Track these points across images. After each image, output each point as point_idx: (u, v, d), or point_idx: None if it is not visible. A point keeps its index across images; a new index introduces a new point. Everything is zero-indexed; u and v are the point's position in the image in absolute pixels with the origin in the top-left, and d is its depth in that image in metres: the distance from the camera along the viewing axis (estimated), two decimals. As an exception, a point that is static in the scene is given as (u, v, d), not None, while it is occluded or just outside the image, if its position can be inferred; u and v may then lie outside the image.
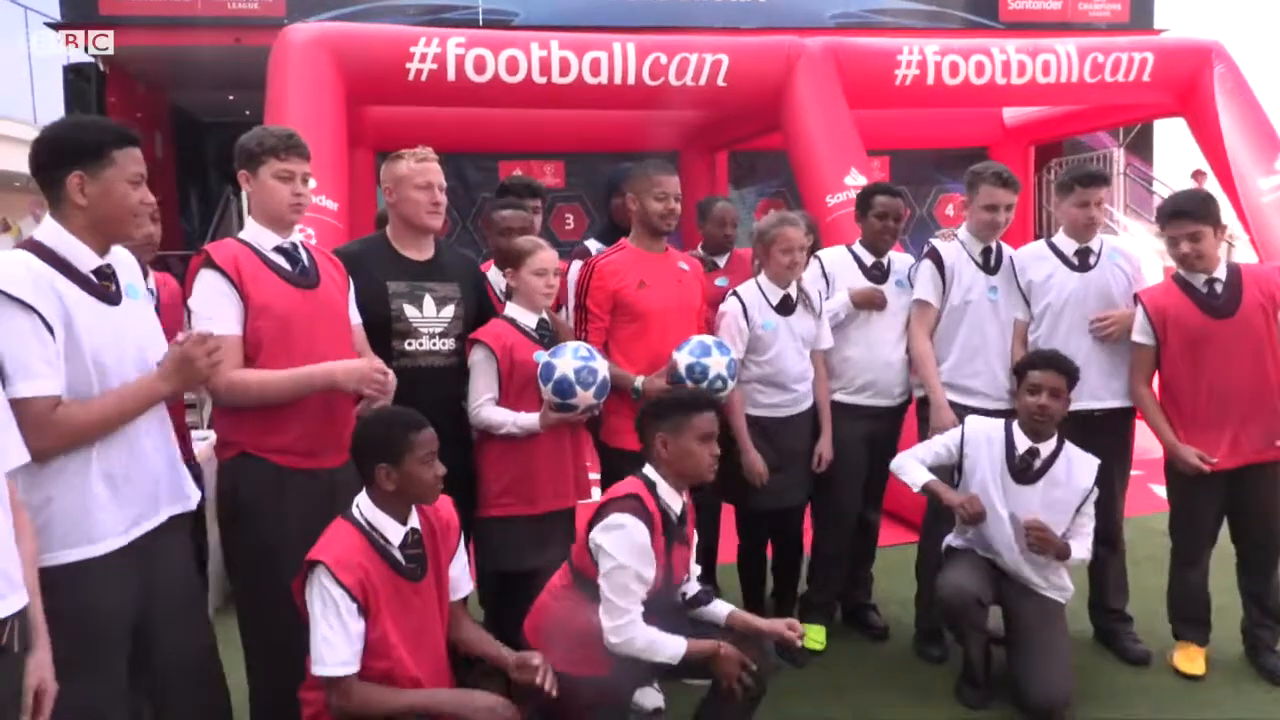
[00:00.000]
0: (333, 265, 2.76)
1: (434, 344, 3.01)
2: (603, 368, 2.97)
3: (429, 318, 3.02)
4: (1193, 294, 3.35)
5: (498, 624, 3.27)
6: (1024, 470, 3.23)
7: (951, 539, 3.41)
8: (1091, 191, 3.56)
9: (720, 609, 2.79)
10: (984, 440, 3.28)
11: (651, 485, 2.63)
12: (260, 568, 2.52)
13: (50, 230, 2.10)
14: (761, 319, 3.50)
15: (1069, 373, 3.21)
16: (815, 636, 3.73)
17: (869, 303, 3.68)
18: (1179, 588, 3.55)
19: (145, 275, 2.88)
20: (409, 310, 2.98)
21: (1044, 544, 3.14)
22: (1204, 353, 3.32)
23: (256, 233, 2.60)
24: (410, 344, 2.97)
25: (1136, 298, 3.46)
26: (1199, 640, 3.50)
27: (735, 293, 3.57)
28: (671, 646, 2.51)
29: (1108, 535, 3.60)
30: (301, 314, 2.56)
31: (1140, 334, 3.42)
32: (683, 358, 3.17)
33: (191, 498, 2.35)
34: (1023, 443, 3.24)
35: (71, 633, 2.00)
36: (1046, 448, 3.23)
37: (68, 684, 1.99)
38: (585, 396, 2.91)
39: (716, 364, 3.15)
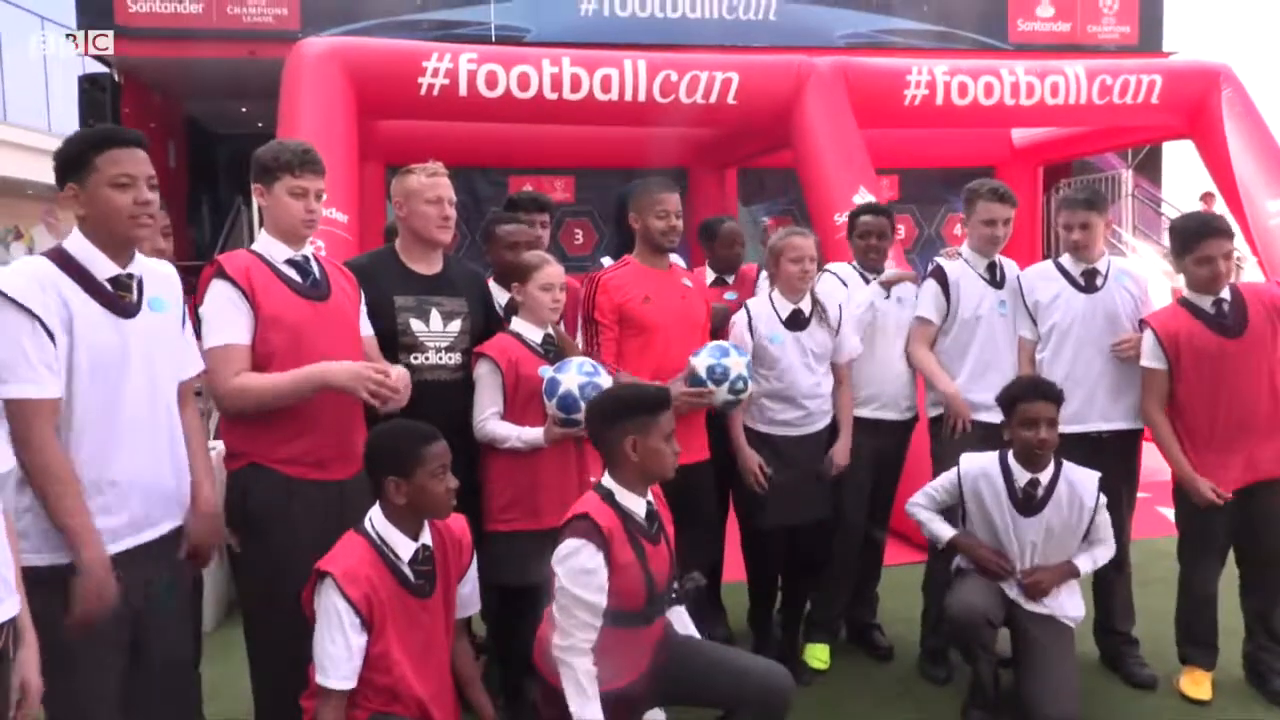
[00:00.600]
0: (344, 277, 2.78)
1: (440, 358, 3.03)
2: (607, 383, 2.96)
3: (435, 332, 3.03)
4: (1202, 315, 3.35)
5: (501, 639, 3.28)
6: (1028, 501, 3.21)
7: (961, 560, 3.40)
8: (1076, 215, 3.57)
9: (688, 629, 2.79)
10: (981, 478, 3.26)
11: (608, 494, 2.56)
12: (268, 578, 2.53)
13: (75, 239, 2.16)
14: (769, 332, 3.51)
15: (1057, 399, 3.20)
16: (819, 656, 3.73)
17: (901, 279, 3.73)
18: (1189, 611, 3.52)
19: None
20: (415, 324, 3.00)
21: (1042, 591, 3.19)
22: (1218, 373, 3.31)
23: (268, 245, 2.63)
24: (416, 358, 2.99)
25: (1143, 323, 3.47)
26: (1205, 664, 3.48)
27: (745, 305, 3.60)
28: (589, 711, 2.40)
29: (1115, 557, 3.59)
30: (312, 326, 2.58)
31: (1151, 359, 3.41)
32: (701, 361, 3.18)
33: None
34: (1021, 475, 3.22)
35: (62, 632, 2.01)
36: (1046, 475, 3.22)
37: (57, 683, 2.00)
38: None
39: (736, 364, 3.18)
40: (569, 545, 2.46)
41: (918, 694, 3.54)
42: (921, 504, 3.40)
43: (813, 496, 3.56)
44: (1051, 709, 3.06)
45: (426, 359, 3.01)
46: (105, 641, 2.11)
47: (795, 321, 3.53)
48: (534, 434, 2.99)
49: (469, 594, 2.61)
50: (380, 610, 2.31)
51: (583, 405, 2.86)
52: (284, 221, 2.61)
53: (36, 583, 1.94)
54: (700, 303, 3.52)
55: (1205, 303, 3.36)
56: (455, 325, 3.07)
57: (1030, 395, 3.19)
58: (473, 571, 2.62)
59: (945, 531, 3.33)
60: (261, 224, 2.70)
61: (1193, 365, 3.34)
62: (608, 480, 2.60)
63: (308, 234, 2.66)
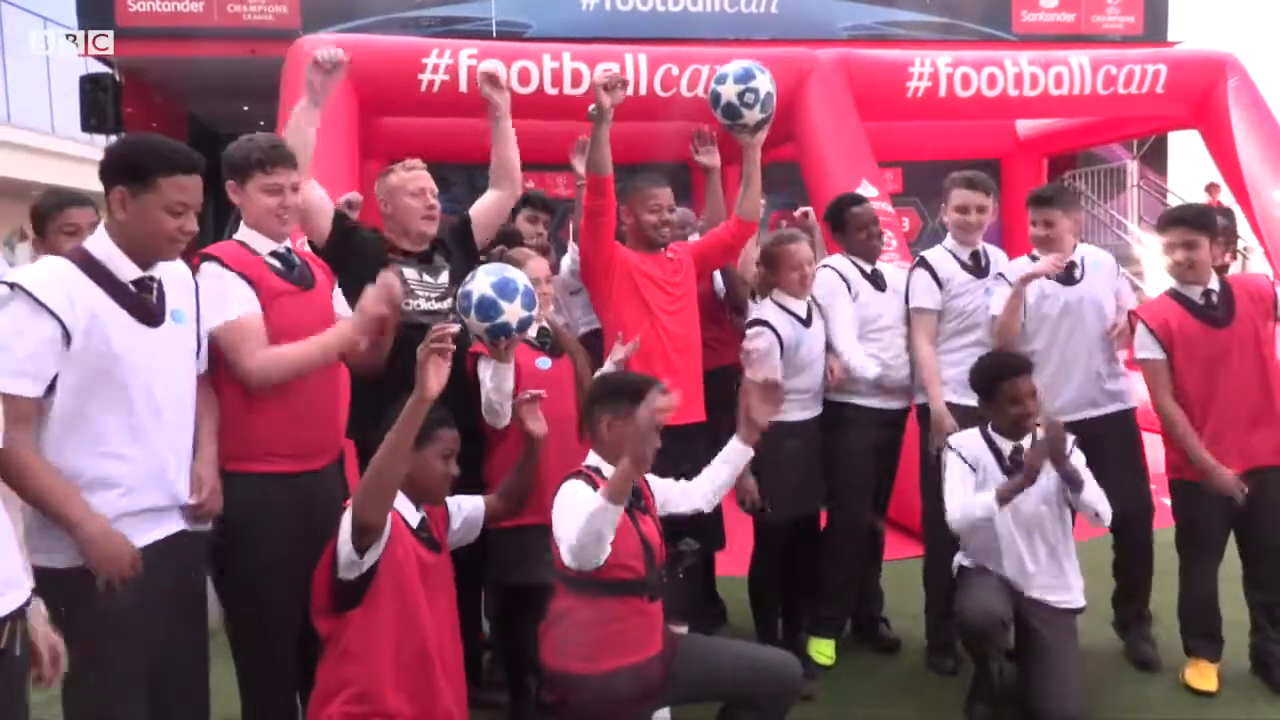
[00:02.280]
0: (319, 266, 2.79)
1: (431, 304, 3.08)
2: (520, 278, 2.84)
3: (427, 282, 3.10)
4: (1190, 306, 3.37)
5: (505, 636, 3.27)
6: (1017, 469, 3.19)
7: (961, 558, 3.38)
8: (1041, 211, 3.59)
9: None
10: (979, 453, 3.25)
11: (595, 470, 2.61)
12: (250, 585, 2.53)
13: (98, 239, 2.18)
14: (796, 338, 3.49)
15: (1032, 368, 3.23)
16: (824, 651, 3.70)
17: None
18: (1190, 603, 3.52)
19: None
20: (408, 272, 3.05)
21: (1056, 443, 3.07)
22: (1209, 362, 3.33)
23: (251, 237, 2.62)
24: (410, 304, 3.02)
25: (1133, 314, 3.49)
26: (1210, 656, 3.47)
27: (765, 322, 3.49)
28: (593, 505, 2.34)
29: (1130, 525, 3.60)
30: (301, 314, 2.59)
31: (1146, 350, 3.42)
32: (727, 91, 3.22)
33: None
34: (1006, 445, 3.24)
35: (89, 633, 2.04)
36: (1028, 440, 3.23)
37: (82, 683, 2.02)
38: (514, 310, 2.75)
39: (763, 82, 3.22)
40: (569, 484, 2.53)
41: (922, 688, 3.53)
42: (960, 501, 3.19)
43: (812, 487, 3.57)
44: (1057, 706, 3.05)
45: (419, 305, 3.05)
46: (131, 643, 2.14)
47: (807, 319, 3.55)
48: (500, 375, 2.87)
49: (470, 507, 2.70)
50: (397, 552, 2.36)
51: (503, 304, 2.73)
52: (260, 219, 2.60)
53: (54, 585, 1.95)
54: (687, 263, 3.52)
55: (1194, 293, 3.38)
56: (444, 276, 3.15)
57: (1012, 372, 3.19)
58: (457, 508, 2.68)
59: (988, 500, 3.08)
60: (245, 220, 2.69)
61: (1185, 355, 3.35)
62: (593, 458, 2.65)
63: (284, 230, 2.64)
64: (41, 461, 2.05)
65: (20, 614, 1.76)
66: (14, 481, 2.02)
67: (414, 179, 3.09)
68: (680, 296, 3.45)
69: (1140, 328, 3.43)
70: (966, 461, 3.25)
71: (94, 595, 2.07)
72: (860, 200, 3.84)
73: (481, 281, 2.77)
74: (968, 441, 3.30)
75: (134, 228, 2.14)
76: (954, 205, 3.71)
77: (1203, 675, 3.44)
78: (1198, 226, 3.35)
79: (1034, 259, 3.65)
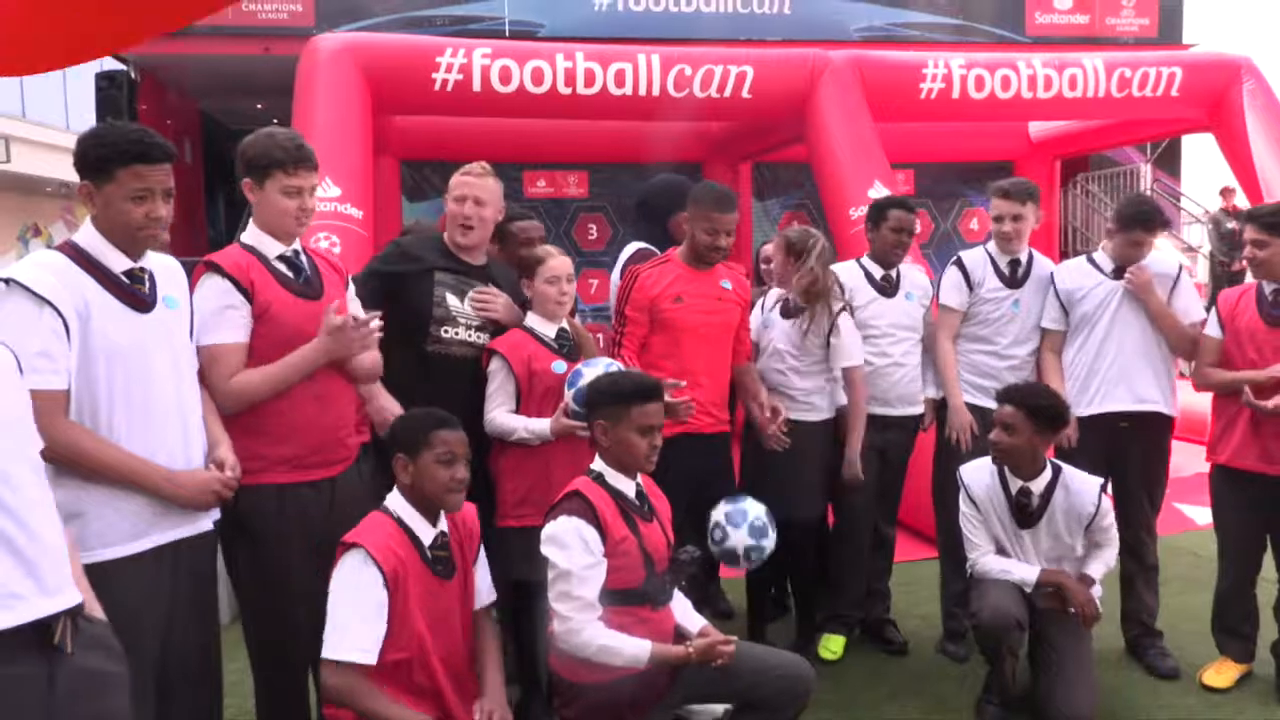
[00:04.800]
0: (332, 269, 2.73)
1: (470, 335, 3.05)
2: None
3: (469, 311, 3.06)
4: (1259, 298, 3.41)
5: (516, 634, 3.28)
6: (1023, 510, 3.19)
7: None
8: (1152, 236, 3.59)
9: (693, 622, 2.74)
10: (983, 489, 3.25)
11: (598, 476, 2.59)
12: (264, 583, 2.53)
13: (86, 233, 2.18)
14: (764, 317, 3.60)
15: (1029, 406, 3.12)
16: (831, 647, 3.74)
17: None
18: (1219, 597, 3.54)
19: None
20: (451, 299, 3.03)
21: (1061, 600, 3.13)
22: (1250, 357, 3.36)
23: (258, 239, 2.56)
24: (447, 331, 3.01)
25: (1214, 297, 3.57)
26: (1234, 655, 3.48)
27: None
28: (631, 649, 2.45)
29: (1138, 551, 3.62)
30: (303, 322, 2.53)
31: (1210, 324, 3.53)
32: (740, 538, 3.02)
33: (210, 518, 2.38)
34: (1014, 483, 3.21)
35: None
36: (1039, 484, 3.18)
37: None
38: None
39: (772, 543, 3.08)
40: (560, 523, 2.47)
41: (932, 687, 3.53)
42: (979, 550, 3.24)
43: (811, 493, 3.55)
44: (1068, 708, 3.05)
45: (456, 334, 3.04)
46: (141, 640, 2.13)
47: (785, 312, 3.59)
48: (541, 425, 2.97)
49: (483, 584, 2.60)
50: (405, 586, 2.32)
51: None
52: (275, 222, 2.54)
53: None
54: (736, 308, 3.49)
55: (1268, 289, 3.41)
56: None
57: (998, 398, 3.23)
58: (484, 560, 2.61)
59: (1029, 573, 3.15)
60: (254, 219, 2.61)
61: (1233, 342, 3.41)
62: (598, 463, 2.63)
63: (299, 233, 2.60)
64: (92, 438, 2.07)
65: (76, 611, 1.75)
66: (75, 464, 2.06)
67: (459, 185, 3.05)
68: (711, 323, 3.41)
69: (1215, 309, 3.52)
70: (974, 503, 3.25)
71: (107, 591, 2.08)
72: (909, 207, 3.79)
73: (597, 374, 2.78)
74: (978, 476, 3.28)
75: (104, 220, 2.15)
76: (991, 214, 3.72)
77: (1219, 672, 3.45)
78: (1267, 227, 3.38)
79: (1092, 261, 3.68)
